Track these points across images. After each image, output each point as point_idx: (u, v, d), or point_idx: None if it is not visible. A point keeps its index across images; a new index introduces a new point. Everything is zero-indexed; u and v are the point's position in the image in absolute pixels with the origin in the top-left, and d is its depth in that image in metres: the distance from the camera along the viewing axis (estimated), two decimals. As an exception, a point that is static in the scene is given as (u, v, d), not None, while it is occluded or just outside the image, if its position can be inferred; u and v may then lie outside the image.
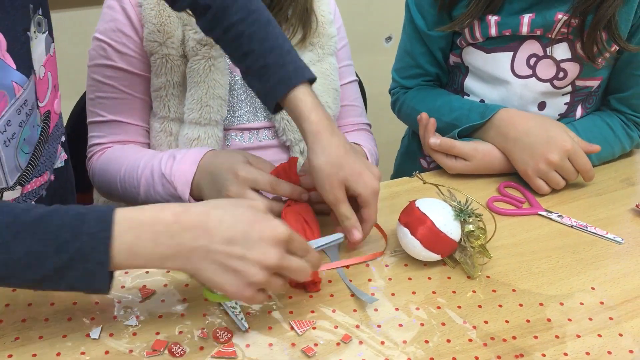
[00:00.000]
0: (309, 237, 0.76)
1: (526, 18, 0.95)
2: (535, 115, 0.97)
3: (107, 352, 0.64)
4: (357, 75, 1.18)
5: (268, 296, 0.64)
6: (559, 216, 0.89)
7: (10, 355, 0.63)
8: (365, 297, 0.71)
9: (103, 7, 0.96)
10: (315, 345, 0.66)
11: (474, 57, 1.04)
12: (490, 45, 1.01)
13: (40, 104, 0.76)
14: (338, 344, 0.67)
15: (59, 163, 0.87)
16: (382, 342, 0.67)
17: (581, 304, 0.73)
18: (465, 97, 1.08)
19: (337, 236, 0.73)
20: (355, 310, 0.71)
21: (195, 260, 0.57)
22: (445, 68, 1.11)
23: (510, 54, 1.00)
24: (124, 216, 0.56)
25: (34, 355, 0.63)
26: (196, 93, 0.94)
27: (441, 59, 1.09)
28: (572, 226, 0.87)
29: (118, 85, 0.95)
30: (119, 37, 0.94)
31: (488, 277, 0.77)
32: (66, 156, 0.90)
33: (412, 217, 0.76)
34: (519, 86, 1.01)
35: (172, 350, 0.64)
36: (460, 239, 0.76)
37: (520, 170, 0.95)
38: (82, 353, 0.64)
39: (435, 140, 0.95)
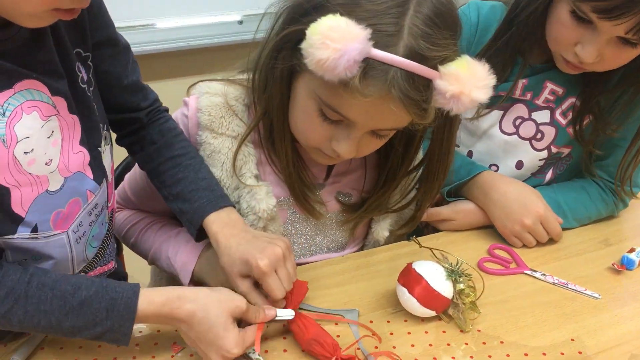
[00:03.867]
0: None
1: (520, 83, 1.09)
2: (514, 180, 1.11)
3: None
4: None
5: None
6: (543, 275, 0.99)
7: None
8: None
9: None
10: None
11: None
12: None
13: (108, 204, 0.89)
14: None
15: None
16: (385, 390, 0.76)
17: (562, 353, 0.83)
18: (456, 147, 1.20)
19: (289, 312, 0.83)
20: (360, 362, 0.81)
21: (179, 330, 0.79)
22: None
23: (501, 112, 1.13)
24: (141, 308, 0.74)
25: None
26: None
27: None
28: (554, 284, 0.97)
29: None
30: None
31: (479, 330, 0.87)
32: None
33: (409, 278, 0.86)
34: (503, 142, 1.14)
35: None
36: (453, 296, 0.86)
37: (497, 227, 1.08)
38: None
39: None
